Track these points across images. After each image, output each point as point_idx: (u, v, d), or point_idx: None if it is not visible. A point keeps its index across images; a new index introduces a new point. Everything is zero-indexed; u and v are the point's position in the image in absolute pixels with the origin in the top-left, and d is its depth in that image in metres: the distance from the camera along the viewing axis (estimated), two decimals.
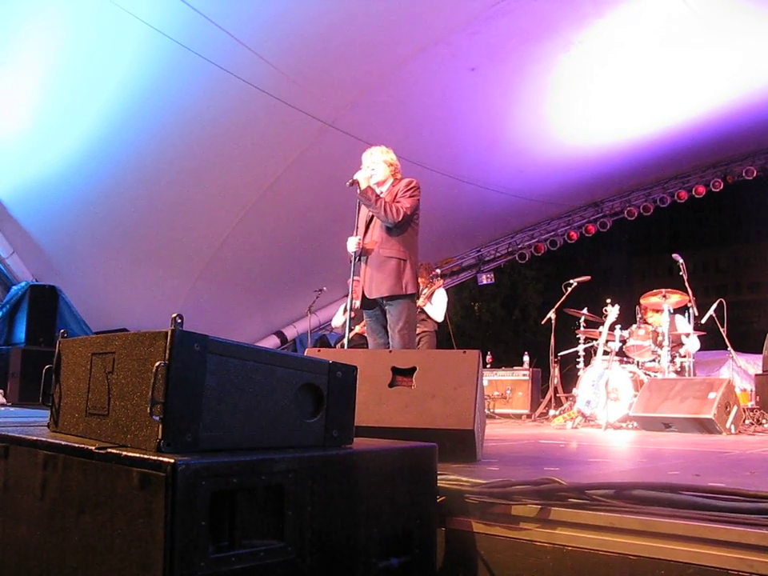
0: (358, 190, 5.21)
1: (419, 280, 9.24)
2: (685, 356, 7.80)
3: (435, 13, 7.50)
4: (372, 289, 5.22)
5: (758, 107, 9.71)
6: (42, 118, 7.94)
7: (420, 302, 8.71)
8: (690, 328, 7.93)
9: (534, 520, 2.16)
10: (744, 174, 11.83)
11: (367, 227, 5.36)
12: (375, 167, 5.34)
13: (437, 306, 8.77)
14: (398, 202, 5.16)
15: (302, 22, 7.31)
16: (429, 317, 8.77)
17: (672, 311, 7.87)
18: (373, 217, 5.29)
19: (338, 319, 9.72)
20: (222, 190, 9.49)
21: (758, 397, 7.99)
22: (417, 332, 8.81)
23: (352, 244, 5.31)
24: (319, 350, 3.94)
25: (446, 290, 9.21)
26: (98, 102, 7.84)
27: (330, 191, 9.53)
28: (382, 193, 5.29)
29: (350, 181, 5.27)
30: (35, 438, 2.14)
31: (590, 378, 7.37)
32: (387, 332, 5.22)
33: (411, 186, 5.24)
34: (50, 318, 9.15)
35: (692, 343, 7.97)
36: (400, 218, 5.09)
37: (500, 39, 7.98)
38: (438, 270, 11.47)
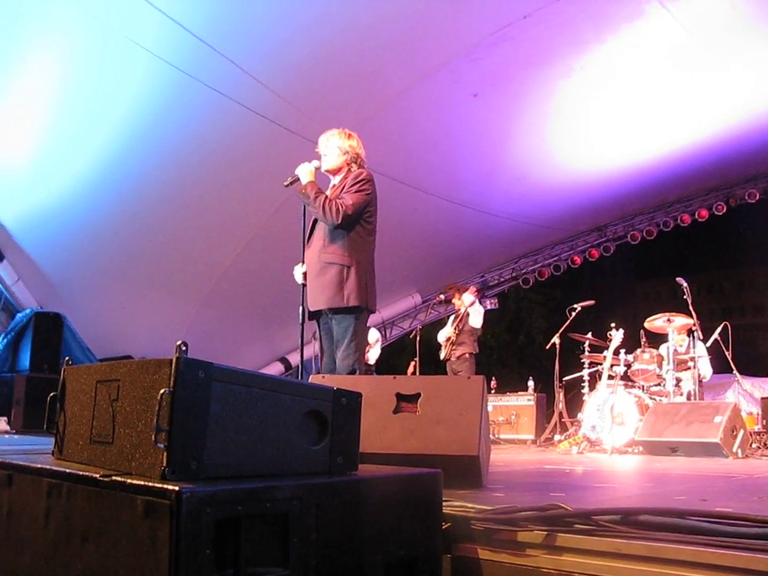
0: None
1: (466, 296, 9.29)
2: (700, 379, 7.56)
3: (437, 40, 7.58)
4: (311, 299, 4.54)
5: (760, 130, 9.76)
6: (48, 147, 8.00)
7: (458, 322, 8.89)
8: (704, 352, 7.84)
9: (540, 546, 2.15)
10: (747, 198, 11.87)
11: (313, 229, 4.61)
12: (328, 153, 4.55)
13: (474, 314, 8.95)
14: (341, 198, 4.38)
15: (306, 51, 7.39)
16: (470, 334, 8.95)
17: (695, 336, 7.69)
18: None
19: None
20: (227, 216, 9.53)
21: (764, 420, 7.95)
22: (458, 353, 8.96)
23: (298, 274, 4.65)
24: (324, 377, 3.93)
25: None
26: (104, 131, 7.91)
27: None
28: (334, 186, 4.56)
29: (290, 179, 4.59)
30: (39, 465, 2.14)
31: (595, 403, 7.33)
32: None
33: (359, 179, 4.42)
34: (55, 345, 9.14)
35: (705, 368, 7.85)
36: (339, 220, 4.32)
37: (501, 65, 8.05)
38: (442, 296, 11.51)
